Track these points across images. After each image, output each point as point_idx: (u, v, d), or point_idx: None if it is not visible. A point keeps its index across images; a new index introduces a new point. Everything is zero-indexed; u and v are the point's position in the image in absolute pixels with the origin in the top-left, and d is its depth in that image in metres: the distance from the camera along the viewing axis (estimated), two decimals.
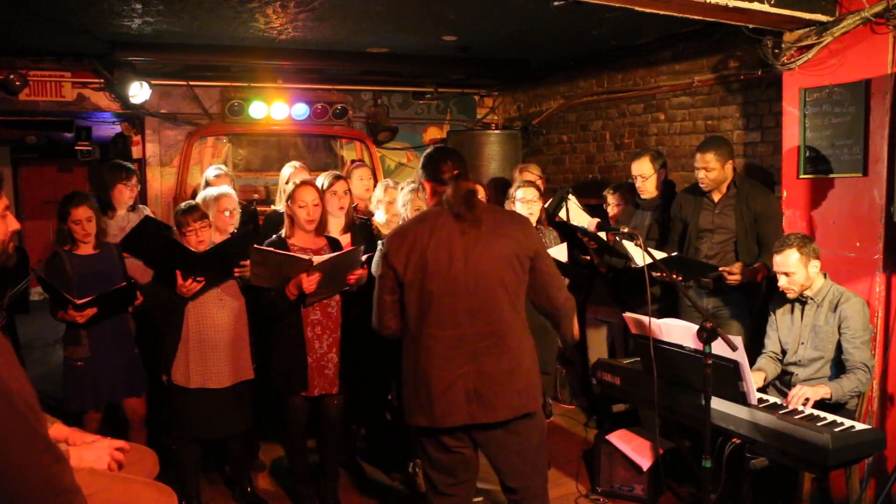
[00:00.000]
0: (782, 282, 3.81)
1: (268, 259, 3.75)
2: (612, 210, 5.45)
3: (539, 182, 5.15)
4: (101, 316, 4.00)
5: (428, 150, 3.16)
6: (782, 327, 3.96)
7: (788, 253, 3.74)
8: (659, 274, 3.76)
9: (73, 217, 4.05)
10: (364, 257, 3.97)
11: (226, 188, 4.62)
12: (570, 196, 5.20)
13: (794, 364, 3.87)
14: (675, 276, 4.24)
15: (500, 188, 5.36)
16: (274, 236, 4.05)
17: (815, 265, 3.77)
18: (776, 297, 4.02)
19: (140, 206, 5.36)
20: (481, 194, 5.13)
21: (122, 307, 4.12)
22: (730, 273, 4.24)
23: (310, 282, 3.71)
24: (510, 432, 2.94)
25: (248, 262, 3.90)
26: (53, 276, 4.00)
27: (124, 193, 5.05)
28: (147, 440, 4.27)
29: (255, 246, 3.76)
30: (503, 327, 2.88)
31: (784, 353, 3.97)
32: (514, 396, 2.89)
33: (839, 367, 3.73)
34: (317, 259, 3.74)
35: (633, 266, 4.43)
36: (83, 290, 3.98)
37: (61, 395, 4.16)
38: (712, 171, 4.37)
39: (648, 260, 3.36)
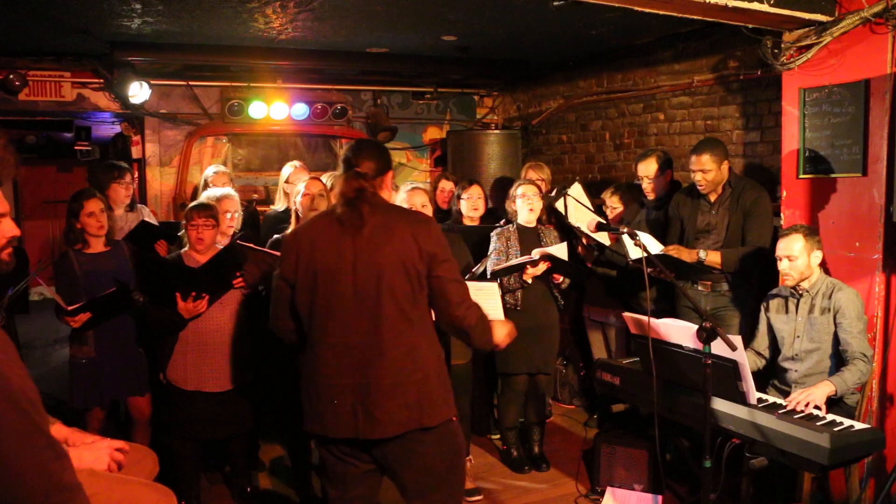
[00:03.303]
0: (783, 265, 3.80)
1: (251, 257, 3.75)
2: (611, 213, 5.43)
3: (541, 183, 5.15)
4: (98, 320, 3.99)
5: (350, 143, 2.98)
6: (777, 322, 3.96)
7: (794, 238, 3.75)
8: (652, 270, 3.75)
9: (87, 209, 4.04)
10: None
11: (228, 190, 4.61)
12: (575, 186, 5.16)
13: (792, 359, 3.87)
14: (670, 273, 4.25)
15: (507, 188, 5.35)
16: (278, 235, 4.04)
17: (817, 255, 3.78)
18: (768, 295, 4.02)
19: (139, 205, 5.34)
20: (478, 193, 5.15)
21: (119, 310, 4.11)
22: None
23: None
24: (406, 449, 2.74)
25: (243, 271, 3.90)
26: (60, 276, 4.01)
27: (119, 192, 5.01)
28: (150, 440, 4.28)
29: (237, 241, 3.75)
30: (390, 338, 2.68)
31: (778, 349, 3.97)
32: (401, 411, 2.68)
33: (838, 359, 3.73)
34: None
35: (629, 263, 4.43)
36: (91, 289, 3.99)
37: (66, 392, 4.17)
38: (709, 172, 4.37)
39: (644, 255, 3.35)
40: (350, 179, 2.73)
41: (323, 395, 2.74)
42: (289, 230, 4.04)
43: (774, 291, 4.03)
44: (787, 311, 3.92)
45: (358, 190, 2.70)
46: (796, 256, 3.75)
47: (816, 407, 3.43)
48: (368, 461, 2.81)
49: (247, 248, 3.75)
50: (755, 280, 4.42)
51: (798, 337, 3.85)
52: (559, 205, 5.03)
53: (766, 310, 4.03)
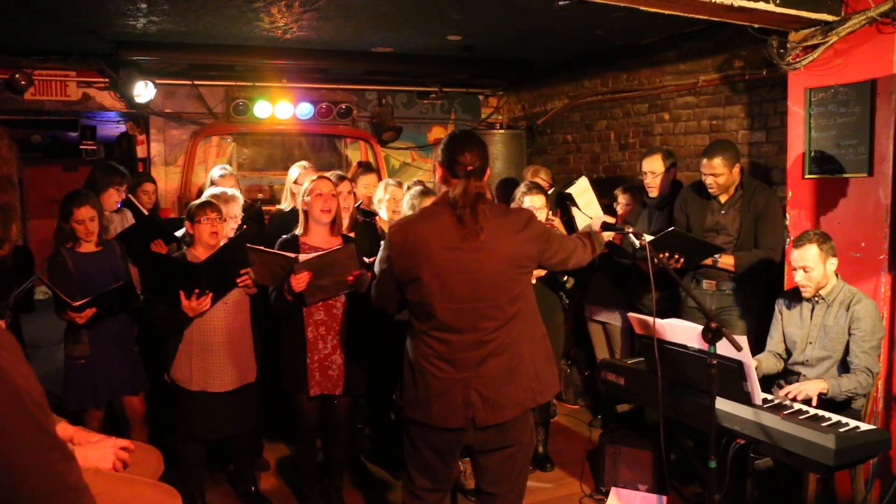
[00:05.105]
0: (799, 277, 3.77)
1: (260, 258, 3.74)
2: (621, 209, 5.44)
3: (544, 185, 5.14)
4: (102, 315, 4.00)
5: (453, 132, 3.05)
6: (790, 325, 3.94)
7: (808, 248, 3.70)
8: (661, 258, 3.74)
9: (76, 217, 4.04)
10: (369, 260, 3.95)
11: (234, 191, 4.60)
12: (581, 180, 5.15)
13: (802, 364, 3.86)
14: (678, 258, 4.24)
15: (510, 189, 5.35)
16: (287, 235, 4.03)
17: (832, 262, 3.73)
18: (784, 295, 4.01)
19: (125, 209, 5.33)
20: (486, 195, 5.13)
21: (122, 306, 4.12)
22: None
23: (298, 280, 3.66)
24: (507, 431, 2.90)
25: (248, 270, 3.90)
26: (55, 274, 4.01)
27: (113, 197, 5.02)
28: (148, 438, 4.28)
29: (248, 245, 3.74)
30: (505, 332, 2.84)
31: (788, 352, 3.96)
32: (518, 392, 2.86)
33: (845, 368, 3.72)
34: (302, 257, 3.69)
35: (636, 256, 4.41)
36: (85, 288, 3.99)
37: (62, 392, 4.17)
38: (720, 176, 4.36)
39: (649, 254, 3.32)
40: (471, 181, 2.81)
41: (432, 387, 2.85)
42: (297, 230, 4.04)
43: (789, 292, 4.01)
44: (801, 316, 3.89)
45: (478, 195, 2.80)
46: (812, 267, 3.70)
47: (807, 400, 3.45)
48: (461, 453, 2.98)
49: (258, 251, 3.74)
50: (763, 282, 4.41)
51: (810, 343, 3.83)
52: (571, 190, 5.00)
53: (781, 312, 4.01)
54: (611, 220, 3.39)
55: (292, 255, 3.69)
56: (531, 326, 2.95)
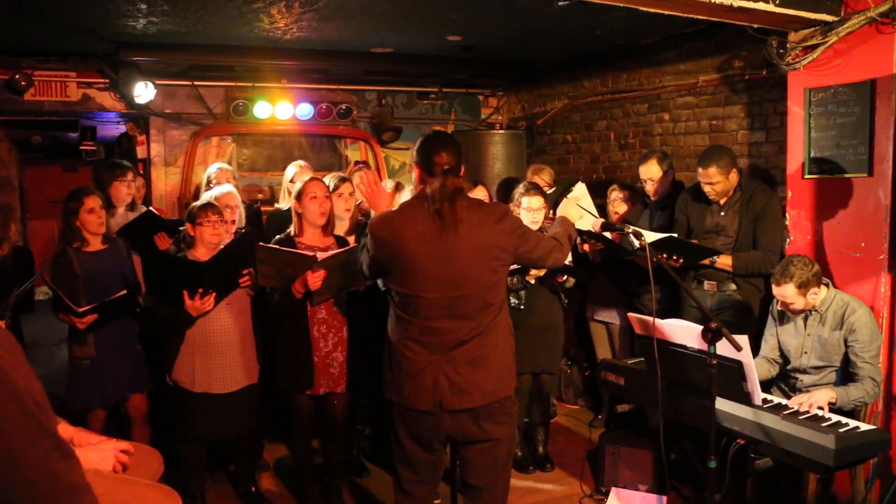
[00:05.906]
0: (782, 305, 3.81)
1: (273, 257, 3.74)
2: (616, 206, 5.43)
3: (545, 187, 5.14)
4: (103, 321, 4.00)
5: (428, 134, 3.16)
6: (784, 334, 3.93)
7: (785, 287, 3.70)
8: (661, 257, 3.73)
9: (87, 206, 4.03)
10: None
11: (228, 186, 4.62)
12: (579, 186, 5.15)
13: (798, 370, 3.86)
14: (676, 258, 4.24)
15: (511, 189, 5.34)
16: (282, 234, 4.04)
17: (814, 292, 3.72)
18: (775, 304, 4.00)
19: (141, 206, 5.33)
20: (483, 194, 5.13)
21: (123, 313, 4.12)
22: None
23: (315, 279, 3.71)
24: (480, 422, 2.95)
25: (249, 270, 3.90)
26: (60, 275, 4.00)
27: (121, 190, 5.02)
28: (150, 438, 4.28)
29: (261, 244, 3.75)
30: (478, 322, 2.93)
31: (784, 358, 3.96)
32: (487, 381, 2.93)
33: (845, 373, 3.71)
34: (321, 255, 3.73)
35: (635, 253, 4.41)
36: (90, 288, 3.99)
37: (66, 393, 4.16)
38: (717, 184, 4.36)
39: (648, 253, 3.32)
40: (449, 178, 2.91)
41: (405, 368, 2.96)
42: (291, 230, 4.05)
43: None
44: (794, 325, 3.89)
45: (457, 190, 2.90)
46: (791, 302, 3.73)
47: (819, 408, 3.43)
48: (442, 443, 3.03)
49: (271, 250, 3.75)
50: (763, 282, 4.40)
51: (805, 353, 3.82)
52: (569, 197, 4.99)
53: (774, 318, 4.01)
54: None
55: (311, 254, 3.72)
56: (505, 319, 3.05)
